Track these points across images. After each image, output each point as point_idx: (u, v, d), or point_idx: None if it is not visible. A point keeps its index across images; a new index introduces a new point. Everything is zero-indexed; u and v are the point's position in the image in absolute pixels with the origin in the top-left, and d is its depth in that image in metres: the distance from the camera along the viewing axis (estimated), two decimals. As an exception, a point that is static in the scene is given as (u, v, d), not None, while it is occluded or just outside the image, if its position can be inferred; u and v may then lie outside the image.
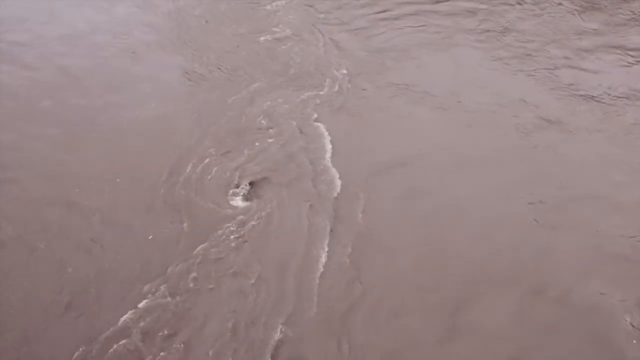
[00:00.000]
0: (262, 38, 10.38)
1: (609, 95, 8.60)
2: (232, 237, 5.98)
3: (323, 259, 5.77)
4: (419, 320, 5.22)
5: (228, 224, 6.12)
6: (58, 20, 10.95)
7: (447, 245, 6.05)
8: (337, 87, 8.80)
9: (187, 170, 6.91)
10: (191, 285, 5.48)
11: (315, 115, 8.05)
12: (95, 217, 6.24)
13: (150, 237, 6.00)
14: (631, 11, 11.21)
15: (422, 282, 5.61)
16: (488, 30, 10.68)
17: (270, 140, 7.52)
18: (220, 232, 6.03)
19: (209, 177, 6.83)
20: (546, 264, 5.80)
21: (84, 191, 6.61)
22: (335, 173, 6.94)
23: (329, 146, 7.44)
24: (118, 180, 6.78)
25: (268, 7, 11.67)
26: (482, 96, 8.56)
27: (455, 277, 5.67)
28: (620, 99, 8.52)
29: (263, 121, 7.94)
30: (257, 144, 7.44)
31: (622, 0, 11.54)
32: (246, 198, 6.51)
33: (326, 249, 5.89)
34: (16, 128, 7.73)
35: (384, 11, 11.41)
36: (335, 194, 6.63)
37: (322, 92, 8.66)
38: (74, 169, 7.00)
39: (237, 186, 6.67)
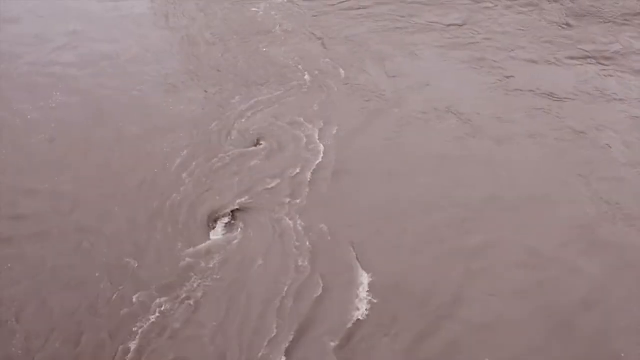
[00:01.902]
0: (254, 46, 11.89)
1: (556, 98, 9.66)
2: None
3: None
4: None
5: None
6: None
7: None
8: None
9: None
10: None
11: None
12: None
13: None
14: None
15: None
16: (451, 25, 12.07)
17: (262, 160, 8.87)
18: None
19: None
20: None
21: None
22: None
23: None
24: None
25: (254, 9, 13.14)
26: (426, 100, 9.69)
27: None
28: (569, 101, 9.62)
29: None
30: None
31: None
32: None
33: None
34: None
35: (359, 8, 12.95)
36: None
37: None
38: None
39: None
